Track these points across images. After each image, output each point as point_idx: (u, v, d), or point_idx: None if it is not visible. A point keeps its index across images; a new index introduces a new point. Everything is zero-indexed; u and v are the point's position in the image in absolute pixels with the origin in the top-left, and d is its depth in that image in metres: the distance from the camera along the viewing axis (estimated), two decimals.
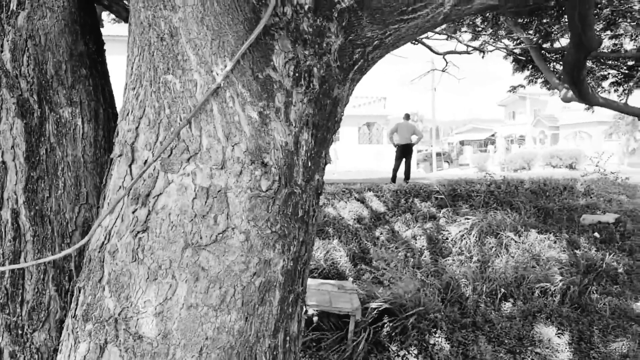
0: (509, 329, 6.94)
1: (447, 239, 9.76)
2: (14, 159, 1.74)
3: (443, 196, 11.04)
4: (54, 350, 1.79)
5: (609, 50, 9.03)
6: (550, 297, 7.75)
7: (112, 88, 2.22)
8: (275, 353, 1.52)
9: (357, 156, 29.62)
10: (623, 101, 8.55)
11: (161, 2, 1.41)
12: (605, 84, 10.06)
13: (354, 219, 10.39)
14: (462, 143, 56.25)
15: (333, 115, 1.67)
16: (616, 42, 9.22)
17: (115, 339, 1.37)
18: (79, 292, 1.48)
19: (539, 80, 10.64)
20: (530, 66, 10.07)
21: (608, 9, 7.89)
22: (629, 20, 8.44)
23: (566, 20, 8.55)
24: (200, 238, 1.39)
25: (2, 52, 1.79)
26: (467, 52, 9.97)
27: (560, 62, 9.88)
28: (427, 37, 9.57)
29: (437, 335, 6.66)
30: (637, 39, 8.88)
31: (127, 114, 1.51)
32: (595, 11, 7.92)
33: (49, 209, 1.76)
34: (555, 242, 9.38)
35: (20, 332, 1.71)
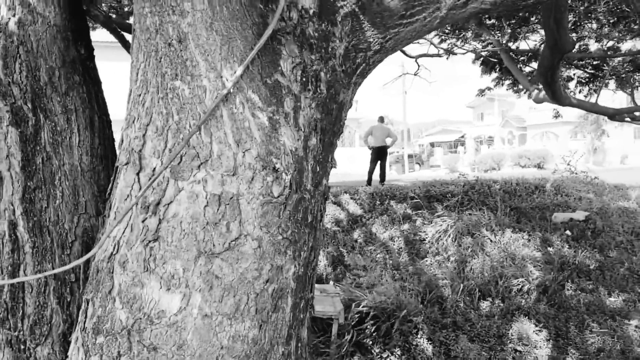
0: (489, 328, 7.03)
1: (424, 240, 9.84)
2: (9, 168, 1.69)
3: (418, 199, 11.13)
4: None
5: (575, 51, 9.28)
6: (527, 294, 7.88)
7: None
8: None
9: None
10: (591, 101, 8.79)
11: (169, 7, 1.39)
12: (571, 84, 10.32)
13: (332, 222, 10.40)
14: (432, 145, 56.91)
15: (339, 119, 1.68)
16: (582, 43, 9.47)
17: (129, 351, 1.34)
18: (88, 304, 1.44)
19: (506, 82, 10.84)
20: (498, 68, 10.25)
21: (576, 12, 8.10)
22: (593, 22, 8.68)
23: (533, 22, 8.76)
24: (213, 246, 1.37)
25: None
26: (439, 55, 10.10)
27: (529, 64, 10.11)
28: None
29: (419, 336, 6.71)
30: (601, 39, 9.14)
31: (133, 121, 1.48)
32: None
33: (48, 219, 1.71)
34: (529, 241, 9.55)
35: (22, 347, 1.66)
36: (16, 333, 1.66)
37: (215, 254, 1.37)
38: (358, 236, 10.01)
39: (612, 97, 11.51)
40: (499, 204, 10.86)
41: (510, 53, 9.26)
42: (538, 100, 7.87)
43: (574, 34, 9.19)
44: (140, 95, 1.47)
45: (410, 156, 39.12)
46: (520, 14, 8.69)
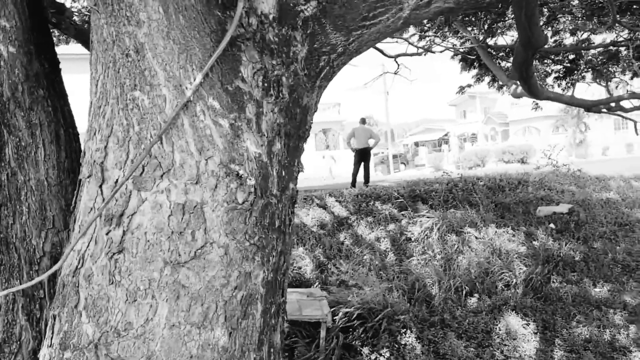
0: (477, 324, 7.06)
1: (410, 239, 9.88)
2: None
3: (402, 198, 11.17)
4: None
5: (551, 45, 9.39)
6: (514, 289, 7.94)
7: (71, 108, 2.16)
8: None
9: (315, 163, 29.77)
10: (568, 94, 8.91)
11: (125, 18, 1.38)
12: (549, 79, 10.44)
13: (317, 225, 10.40)
14: (416, 144, 57.20)
15: (303, 123, 1.68)
16: (557, 37, 9.60)
17: None
18: (54, 319, 1.43)
19: (486, 79, 10.94)
20: (478, 64, 10.34)
21: (550, 7, 8.20)
22: (567, 16, 8.79)
23: (509, 17, 8.85)
24: (179, 255, 1.37)
25: None
26: (418, 54, 10.16)
27: (507, 59, 10.21)
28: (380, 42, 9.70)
29: (407, 335, 6.72)
30: (576, 33, 9.27)
31: (94, 133, 1.47)
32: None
33: (14, 235, 1.69)
34: (514, 236, 9.62)
35: None
36: None
37: (181, 263, 1.37)
38: (344, 238, 10.02)
39: (588, 89, 11.65)
40: (482, 201, 10.94)
41: (488, 49, 9.35)
42: (516, 95, 7.94)
43: (549, 28, 9.31)
44: (100, 107, 1.47)
45: (395, 156, 39.28)
46: (496, 9, 8.78)
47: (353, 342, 6.50)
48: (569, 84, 10.11)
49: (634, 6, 7.96)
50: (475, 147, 42.79)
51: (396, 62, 10.76)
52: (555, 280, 8.15)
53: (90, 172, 1.46)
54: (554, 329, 7.01)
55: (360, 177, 13.75)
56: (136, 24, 1.38)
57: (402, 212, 10.79)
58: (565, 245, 9.07)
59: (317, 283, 8.46)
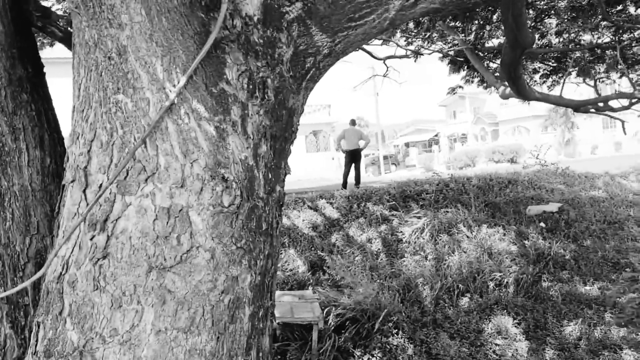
0: (468, 323, 7.08)
1: (401, 240, 9.88)
2: None
3: (393, 199, 11.18)
4: None
5: (537, 46, 9.45)
6: (505, 288, 7.96)
7: (56, 112, 2.14)
8: None
9: (306, 165, 29.75)
10: (555, 93, 8.95)
11: (106, 20, 1.36)
12: (537, 76, 10.51)
13: (309, 227, 10.38)
14: (407, 145, 57.32)
15: (290, 125, 1.67)
16: (544, 40, 9.66)
17: None
18: (38, 327, 1.41)
19: (476, 80, 11.00)
20: (466, 66, 10.39)
21: (537, 8, 8.25)
22: (554, 17, 8.86)
23: (496, 20, 8.90)
24: (165, 260, 1.35)
25: None
26: (407, 56, 10.17)
27: (495, 60, 10.27)
28: (367, 43, 9.72)
29: (399, 336, 6.72)
30: (561, 34, 9.34)
31: (78, 138, 1.45)
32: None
33: None
34: (504, 235, 9.65)
35: None
36: None
37: (167, 267, 1.35)
38: (336, 240, 10.01)
39: (577, 89, 11.74)
40: (473, 200, 10.97)
41: (476, 51, 9.39)
42: (505, 96, 7.97)
43: (535, 30, 9.37)
44: (83, 110, 1.45)
45: (385, 157, 39.34)
46: (483, 14, 8.83)
47: (345, 344, 6.49)
48: (555, 82, 10.19)
49: (620, 5, 8.03)
50: (465, 147, 42.96)
51: (385, 64, 10.78)
52: (546, 279, 8.18)
53: (73, 177, 1.44)
54: (545, 328, 7.04)
55: (351, 178, 13.74)
56: (118, 27, 1.37)
57: (393, 213, 10.80)
58: (556, 243, 9.12)
59: (309, 285, 8.44)
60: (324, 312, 6.67)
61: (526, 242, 9.31)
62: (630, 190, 12.63)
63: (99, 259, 1.35)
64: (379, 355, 6.38)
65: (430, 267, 8.62)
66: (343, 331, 6.62)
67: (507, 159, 32.12)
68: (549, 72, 9.87)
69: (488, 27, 9.16)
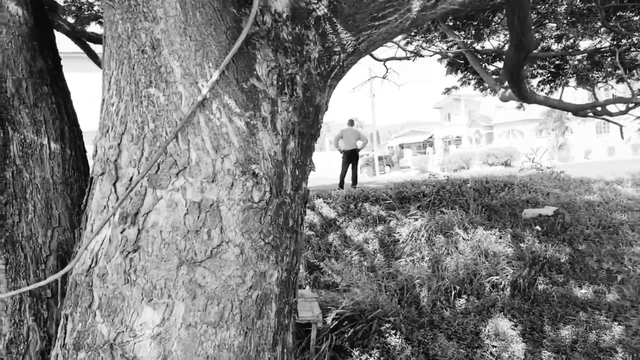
0: (465, 325, 7.10)
1: (398, 240, 9.90)
2: None
3: (391, 200, 11.21)
4: None
5: (537, 50, 9.50)
6: (502, 290, 8.00)
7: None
8: None
9: None
10: (554, 97, 9.01)
11: (141, 14, 1.36)
12: (535, 82, 10.57)
13: (306, 227, 10.38)
14: (401, 146, 57.40)
15: (316, 122, 1.67)
16: (543, 44, 9.72)
17: None
18: (67, 319, 1.40)
19: (472, 82, 11.04)
20: (464, 68, 10.43)
21: (538, 12, 8.30)
22: (554, 22, 8.91)
23: (497, 22, 8.94)
24: (195, 254, 1.35)
25: None
26: (407, 58, 10.19)
27: (493, 63, 10.32)
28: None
29: (397, 336, 6.73)
30: (561, 39, 9.39)
31: (107, 131, 1.45)
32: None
33: (20, 234, 1.66)
34: (500, 237, 9.69)
35: None
36: None
37: (197, 262, 1.35)
38: (333, 240, 10.02)
39: (573, 94, 11.82)
40: (470, 203, 11.01)
41: (475, 53, 9.42)
42: (504, 99, 8.00)
43: (536, 34, 9.42)
44: (113, 104, 1.44)
45: (380, 158, 39.40)
46: (482, 16, 8.87)
47: (343, 344, 6.50)
48: (554, 88, 10.25)
49: (620, 12, 8.09)
50: (459, 150, 43.07)
51: (385, 65, 10.79)
52: (542, 282, 8.23)
53: (103, 170, 1.44)
54: (542, 330, 7.08)
55: (348, 178, 13.77)
56: (153, 20, 1.37)
57: (390, 213, 10.82)
58: (551, 247, 9.17)
59: (307, 284, 8.45)
60: (322, 312, 6.68)
61: (522, 244, 9.36)
62: (624, 195, 12.72)
63: (129, 252, 1.35)
64: (377, 355, 6.39)
65: (427, 268, 8.65)
66: (341, 331, 6.63)
67: (501, 162, 32.24)
68: (547, 79, 9.94)
69: (487, 29, 9.20)
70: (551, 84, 10.25)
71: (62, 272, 1.35)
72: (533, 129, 43.17)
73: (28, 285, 1.62)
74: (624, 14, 8.34)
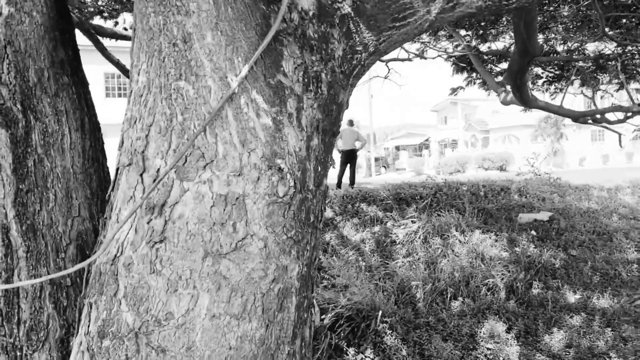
0: (461, 327, 7.15)
1: (395, 241, 9.94)
2: (0, 171, 1.65)
3: (390, 200, 11.24)
4: None
5: (542, 54, 9.53)
6: (497, 293, 8.05)
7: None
8: (293, 359, 1.52)
9: None
10: (555, 103, 9.05)
11: (174, 7, 1.38)
12: (540, 82, 10.59)
13: None
14: (397, 148, 57.53)
15: (338, 120, 1.70)
16: (549, 45, 9.75)
17: (137, 354, 1.32)
18: (91, 307, 1.42)
19: (478, 82, 11.07)
20: (469, 68, 10.45)
21: (544, 15, 8.33)
22: (559, 25, 8.95)
23: (502, 24, 8.97)
24: (220, 246, 1.37)
25: None
26: (409, 59, 10.22)
27: (497, 65, 10.35)
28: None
29: (393, 337, 6.77)
30: (566, 42, 9.44)
31: (135, 122, 1.46)
32: None
33: (41, 222, 1.67)
34: (496, 241, 9.76)
35: (18, 354, 1.61)
36: (12, 339, 1.61)
37: (223, 254, 1.37)
38: (330, 239, 10.05)
39: (572, 100, 11.87)
40: (466, 206, 11.07)
41: (481, 54, 9.45)
42: (506, 103, 8.05)
43: (541, 36, 9.45)
44: (142, 95, 1.46)
45: (376, 159, 39.48)
46: (488, 18, 8.89)
47: (340, 343, 6.53)
48: (557, 90, 10.28)
49: (622, 20, 8.14)
50: (455, 153, 43.24)
51: (387, 66, 10.82)
52: (536, 286, 8.29)
53: (130, 161, 1.45)
54: (536, 334, 7.13)
55: (346, 178, 13.80)
56: (185, 14, 1.38)
57: (387, 214, 10.86)
58: (546, 252, 9.24)
59: None
60: (319, 310, 6.71)
61: (517, 249, 9.42)
62: (620, 203, 12.81)
63: (155, 243, 1.36)
64: (373, 354, 6.42)
65: (424, 269, 8.69)
66: (338, 330, 6.66)
67: (497, 166, 32.39)
68: (551, 79, 9.97)
69: (493, 30, 9.22)
70: (555, 85, 10.27)
71: (88, 261, 1.37)
72: (529, 135, 43.37)
73: (48, 273, 1.63)
74: (626, 22, 8.38)
